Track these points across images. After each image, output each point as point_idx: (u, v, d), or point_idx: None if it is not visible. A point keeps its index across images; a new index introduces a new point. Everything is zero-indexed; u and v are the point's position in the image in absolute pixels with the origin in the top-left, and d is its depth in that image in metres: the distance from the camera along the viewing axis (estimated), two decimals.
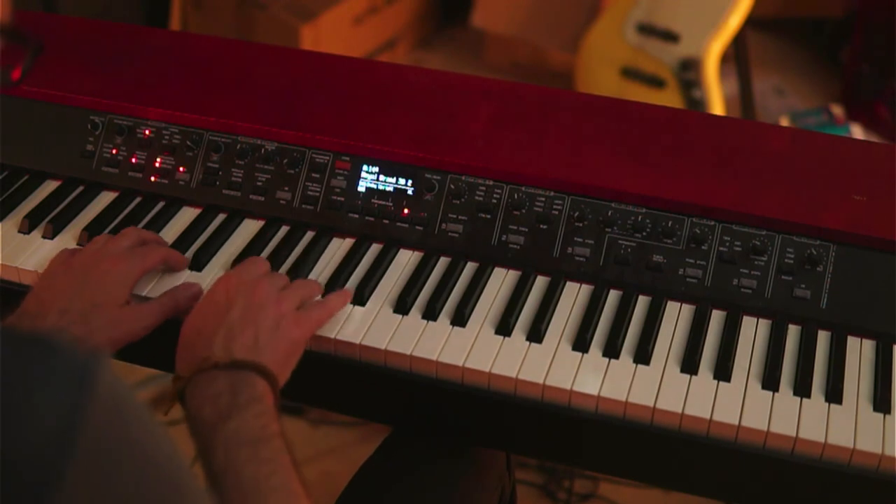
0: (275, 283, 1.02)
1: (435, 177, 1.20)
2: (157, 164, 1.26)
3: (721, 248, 1.13)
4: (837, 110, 2.86)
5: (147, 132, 1.27)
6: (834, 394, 1.02)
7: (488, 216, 1.18)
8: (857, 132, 2.80)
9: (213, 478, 0.86)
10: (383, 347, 1.06)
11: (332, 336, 1.07)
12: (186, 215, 1.23)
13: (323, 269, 1.16)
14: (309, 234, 1.20)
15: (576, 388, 1.02)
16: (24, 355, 0.53)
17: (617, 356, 1.06)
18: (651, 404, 1.01)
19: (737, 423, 0.99)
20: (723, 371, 1.04)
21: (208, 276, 1.15)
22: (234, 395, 0.90)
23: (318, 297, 1.09)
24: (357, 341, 1.07)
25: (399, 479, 1.14)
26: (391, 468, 1.16)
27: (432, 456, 1.16)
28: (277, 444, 0.88)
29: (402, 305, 1.11)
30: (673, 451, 1.03)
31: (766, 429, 0.99)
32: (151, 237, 1.14)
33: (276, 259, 1.16)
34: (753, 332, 1.09)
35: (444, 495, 1.14)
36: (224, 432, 0.87)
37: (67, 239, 1.20)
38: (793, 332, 1.10)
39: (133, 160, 1.26)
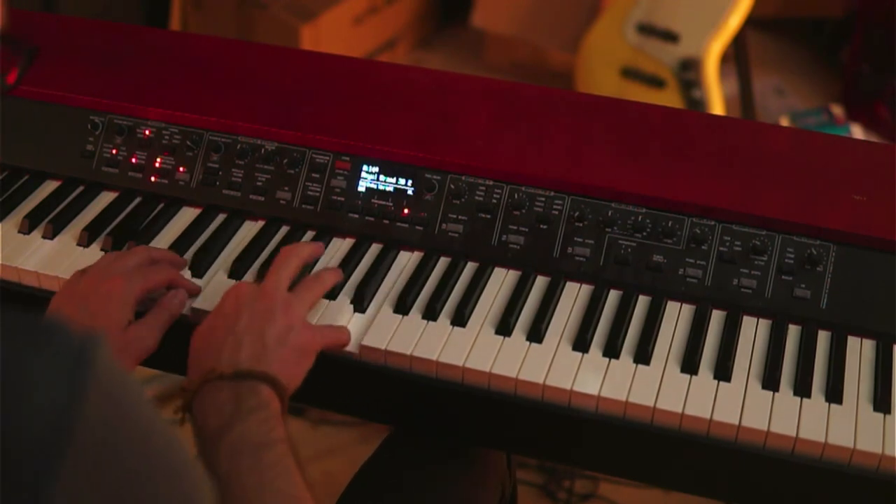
0: (282, 285, 1.01)
1: (435, 177, 1.20)
2: (157, 164, 1.26)
3: (721, 248, 1.13)
4: (837, 110, 2.86)
5: (147, 132, 1.27)
6: (834, 394, 1.02)
7: (488, 216, 1.18)
8: (857, 132, 2.80)
9: (217, 486, 0.85)
10: (383, 347, 1.06)
11: None
12: (186, 215, 1.23)
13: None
14: (309, 235, 1.20)
15: (576, 388, 1.02)
16: (22, 338, 0.53)
17: (617, 356, 1.06)
18: (651, 404, 1.01)
19: (737, 423, 0.99)
20: (723, 371, 1.04)
21: (207, 277, 1.15)
22: (238, 405, 0.90)
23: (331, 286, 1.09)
24: (357, 341, 1.07)
25: (399, 479, 1.14)
26: (392, 468, 1.16)
27: (433, 455, 1.16)
28: (281, 449, 0.88)
29: (402, 305, 1.11)
30: (673, 451, 1.03)
31: (766, 429, 0.99)
32: (163, 256, 1.12)
33: None
34: (753, 332, 1.09)
35: (444, 495, 1.14)
36: (227, 441, 0.87)
37: (67, 239, 1.20)
38: (793, 332, 1.09)
39: (133, 160, 1.26)
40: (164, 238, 1.19)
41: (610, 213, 1.16)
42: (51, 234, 1.20)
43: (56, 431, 0.51)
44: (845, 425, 0.99)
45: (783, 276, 1.11)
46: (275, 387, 0.93)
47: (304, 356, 0.98)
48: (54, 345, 0.53)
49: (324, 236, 1.19)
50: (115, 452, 0.55)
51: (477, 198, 1.19)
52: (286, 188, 1.22)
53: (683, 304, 1.12)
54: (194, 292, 1.11)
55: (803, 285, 1.11)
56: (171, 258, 1.13)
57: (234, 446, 0.87)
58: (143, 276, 1.05)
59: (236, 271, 1.15)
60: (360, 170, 1.21)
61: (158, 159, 1.26)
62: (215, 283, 1.13)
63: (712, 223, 1.14)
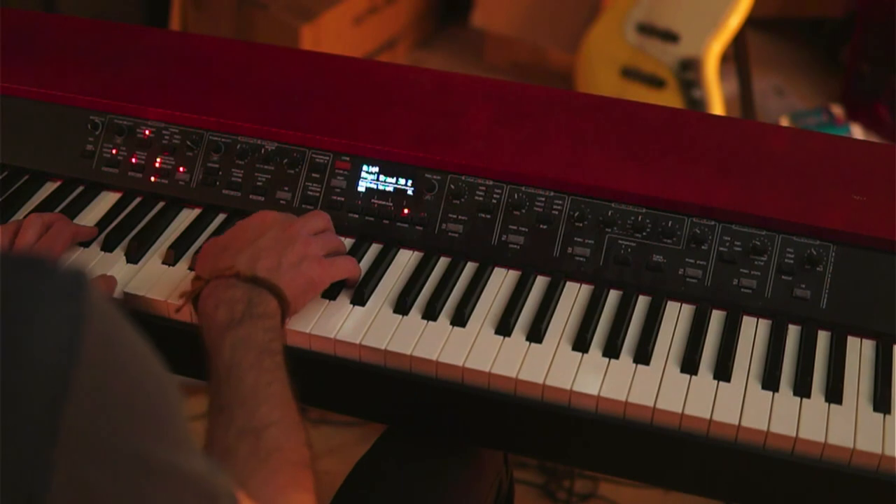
0: (308, 227, 1.08)
1: (435, 177, 1.20)
2: (157, 164, 1.26)
3: (721, 248, 1.13)
4: (837, 110, 2.87)
5: (147, 132, 1.27)
6: (834, 394, 1.02)
7: (488, 216, 1.18)
8: (857, 132, 2.80)
9: (216, 377, 0.90)
10: (383, 347, 1.06)
11: (332, 336, 1.07)
12: (186, 215, 1.23)
13: None
14: None
15: (576, 388, 1.02)
16: (22, 275, 0.57)
17: (617, 356, 1.06)
18: (651, 404, 1.01)
19: (737, 423, 0.99)
20: (723, 371, 1.04)
21: None
22: (249, 306, 0.95)
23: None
24: (357, 341, 1.07)
25: (395, 474, 1.14)
26: (388, 463, 1.16)
27: (429, 451, 1.16)
28: (279, 361, 0.93)
29: (402, 305, 1.11)
30: (673, 451, 1.03)
31: (766, 429, 0.99)
32: (53, 218, 1.16)
33: None
34: (753, 332, 1.09)
35: (441, 490, 1.14)
36: (234, 335, 0.92)
37: None
38: (793, 332, 1.09)
39: (133, 160, 1.26)
40: (164, 238, 1.19)
41: (610, 213, 1.16)
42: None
43: (63, 359, 0.55)
44: (845, 425, 0.99)
45: (783, 276, 1.11)
46: (282, 302, 0.99)
47: (311, 287, 1.05)
48: (55, 279, 0.57)
49: None
50: (116, 373, 0.59)
51: (477, 198, 1.19)
52: (286, 188, 1.22)
53: (683, 304, 1.12)
54: (92, 235, 1.18)
55: (803, 285, 1.11)
56: (59, 217, 1.17)
57: (240, 340, 0.92)
58: (46, 245, 1.11)
59: None
60: (360, 170, 1.21)
61: (158, 159, 1.26)
62: None
63: (712, 223, 1.14)
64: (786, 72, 3.23)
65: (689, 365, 1.05)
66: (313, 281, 1.05)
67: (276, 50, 1.48)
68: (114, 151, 1.27)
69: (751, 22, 2.71)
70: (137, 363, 0.61)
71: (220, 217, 1.23)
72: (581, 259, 1.15)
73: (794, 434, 0.98)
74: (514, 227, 1.17)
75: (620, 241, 1.15)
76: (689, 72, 2.61)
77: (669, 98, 2.63)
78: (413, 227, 1.19)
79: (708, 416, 1.00)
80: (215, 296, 0.97)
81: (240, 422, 0.86)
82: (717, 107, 2.61)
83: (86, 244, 1.18)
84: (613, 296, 1.13)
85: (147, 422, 0.60)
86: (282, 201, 1.22)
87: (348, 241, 1.19)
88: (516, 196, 1.18)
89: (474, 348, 1.06)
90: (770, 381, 1.03)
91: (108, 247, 1.18)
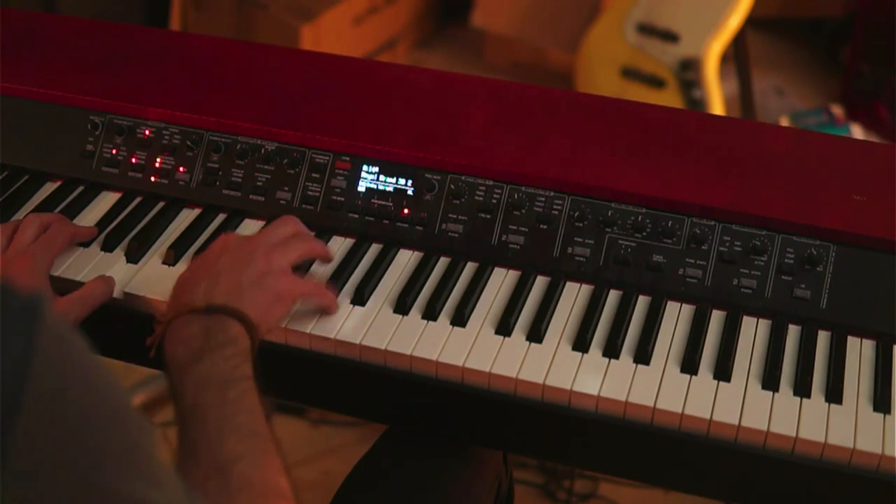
0: (270, 239, 1.04)
1: (435, 177, 1.20)
2: (157, 165, 1.26)
3: (721, 248, 1.13)
4: (837, 110, 2.87)
5: (147, 132, 1.27)
6: (834, 394, 1.02)
7: (488, 216, 1.18)
8: (857, 132, 2.80)
9: (182, 418, 0.88)
10: (383, 347, 1.06)
11: (332, 336, 1.07)
12: (186, 215, 1.23)
13: (323, 269, 1.16)
14: None
15: (576, 388, 1.02)
16: None
17: (617, 356, 1.06)
18: (651, 404, 1.01)
19: (737, 423, 0.99)
20: (723, 371, 1.04)
21: None
22: (207, 338, 0.92)
23: (322, 261, 1.13)
24: (357, 341, 1.07)
25: (395, 473, 1.14)
26: (388, 462, 1.16)
27: (429, 451, 1.16)
28: (246, 386, 0.90)
29: (402, 305, 1.11)
30: (673, 451, 1.03)
31: (766, 429, 0.99)
32: (52, 218, 1.15)
33: None
34: (753, 332, 1.09)
35: (441, 491, 1.14)
36: (194, 373, 0.90)
37: None
38: (793, 332, 1.09)
39: (133, 160, 1.26)
40: (164, 238, 1.19)
41: (610, 213, 1.16)
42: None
43: (13, 384, 0.55)
44: (845, 425, 0.99)
45: (783, 276, 1.11)
46: (245, 324, 0.95)
47: (279, 301, 1.01)
48: (6, 304, 0.57)
49: (324, 236, 1.19)
50: (66, 401, 0.58)
51: (477, 198, 1.19)
52: (286, 188, 1.22)
53: (683, 304, 1.12)
54: (92, 235, 1.17)
55: (803, 285, 1.11)
56: (58, 217, 1.16)
57: (200, 379, 0.89)
58: (43, 246, 1.09)
59: None
60: (360, 170, 1.21)
61: (158, 159, 1.26)
62: None
63: (712, 223, 1.14)
64: (786, 72, 3.23)
65: (689, 365, 1.05)
66: (280, 294, 1.01)
67: (276, 50, 1.48)
68: (114, 151, 1.27)
69: (751, 22, 2.71)
70: (92, 395, 0.61)
71: (220, 217, 1.23)
72: (581, 259, 1.15)
73: (794, 434, 0.98)
74: (514, 227, 1.17)
75: (620, 241, 1.15)
76: (689, 72, 2.61)
77: (669, 98, 2.63)
78: (413, 227, 1.19)
79: (708, 416, 1.00)
80: (174, 336, 0.94)
81: (206, 461, 0.83)
82: (717, 107, 2.61)
83: (86, 244, 1.18)
84: (613, 296, 1.13)
85: (100, 453, 0.60)
86: (282, 201, 1.22)
87: (348, 242, 1.19)
88: (516, 196, 1.18)
89: (474, 348, 1.06)
90: (770, 381, 1.03)
91: (108, 247, 1.18)
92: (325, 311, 1.09)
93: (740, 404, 1.01)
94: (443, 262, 1.17)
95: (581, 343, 1.07)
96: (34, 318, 0.57)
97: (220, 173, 1.24)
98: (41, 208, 1.23)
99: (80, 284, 1.10)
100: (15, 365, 0.55)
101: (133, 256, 1.16)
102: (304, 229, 1.10)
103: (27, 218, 1.13)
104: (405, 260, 1.17)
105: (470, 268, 1.16)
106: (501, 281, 1.15)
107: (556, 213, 1.17)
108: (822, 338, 1.09)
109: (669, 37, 2.64)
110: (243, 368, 0.91)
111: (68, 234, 1.14)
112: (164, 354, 0.94)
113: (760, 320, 1.11)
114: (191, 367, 0.90)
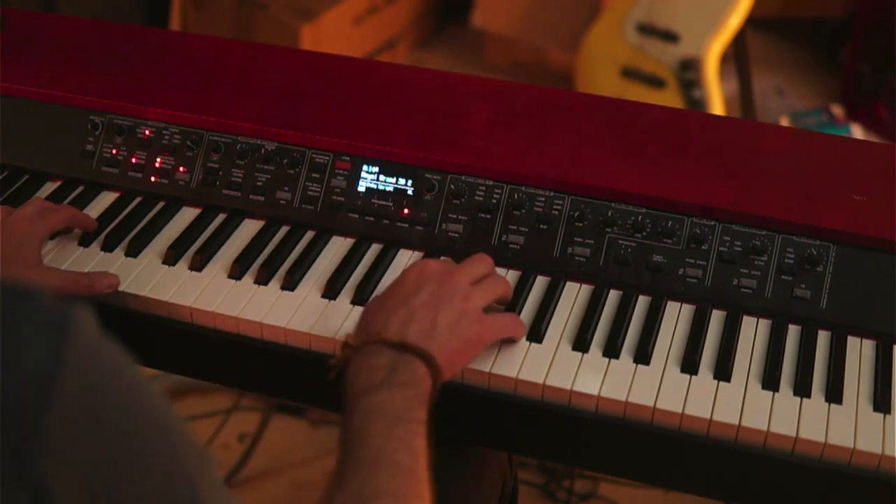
0: (469, 277, 1.02)
1: (435, 177, 1.20)
2: (157, 164, 1.26)
3: (721, 248, 1.13)
4: (837, 110, 2.87)
5: (147, 132, 1.27)
6: (834, 394, 1.02)
7: (488, 216, 1.18)
8: (857, 132, 2.81)
9: (344, 441, 0.89)
10: None
11: (333, 337, 1.07)
12: (186, 215, 1.23)
13: (323, 269, 1.16)
14: (309, 234, 1.20)
15: (576, 388, 1.02)
16: (8, 306, 0.56)
17: (617, 356, 1.06)
18: (651, 404, 1.01)
19: (737, 423, 0.99)
20: (723, 371, 1.04)
21: (207, 276, 1.15)
22: (392, 373, 0.92)
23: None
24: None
25: None
26: None
27: (433, 450, 1.16)
28: (415, 429, 0.88)
29: None
30: (673, 451, 1.03)
31: (766, 429, 0.99)
32: (57, 205, 1.17)
33: (276, 259, 1.16)
34: (753, 332, 1.09)
35: (442, 490, 1.14)
36: (368, 401, 0.89)
37: (67, 239, 1.20)
38: (793, 332, 1.09)
39: (133, 160, 1.26)
40: (164, 238, 1.19)
41: (610, 213, 1.16)
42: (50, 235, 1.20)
43: (38, 397, 0.54)
44: (845, 425, 0.99)
45: (783, 276, 1.11)
46: (431, 368, 0.94)
47: (470, 347, 0.99)
48: (38, 314, 0.56)
49: (324, 236, 1.19)
50: (100, 416, 0.57)
51: (477, 198, 1.19)
52: (286, 188, 1.22)
53: (683, 304, 1.12)
54: (91, 224, 1.18)
55: (803, 285, 1.11)
56: (63, 206, 1.18)
57: (372, 408, 0.89)
58: (42, 218, 1.11)
59: (236, 272, 1.15)
60: (360, 170, 1.21)
61: (158, 159, 1.26)
62: (214, 284, 1.13)
63: (712, 223, 1.14)
64: (786, 72, 3.23)
65: (689, 365, 1.05)
66: (471, 341, 0.99)
67: (276, 50, 1.48)
68: (114, 151, 1.27)
69: (751, 22, 2.72)
70: (129, 411, 0.60)
71: (220, 217, 1.23)
72: (581, 259, 1.15)
73: (794, 434, 0.98)
74: (514, 227, 1.17)
75: (620, 241, 1.15)
76: (689, 72, 2.62)
77: (669, 98, 2.63)
78: (413, 227, 1.19)
79: (708, 416, 1.00)
80: (359, 362, 0.94)
81: (350, 488, 0.83)
82: (717, 107, 2.61)
83: (86, 244, 1.18)
84: (613, 296, 1.13)
85: (140, 486, 0.59)
86: (282, 201, 1.22)
87: (348, 241, 1.19)
88: (516, 196, 1.18)
89: None
90: (770, 381, 1.03)
91: (108, 247, 1.18)
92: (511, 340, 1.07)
93: (740, 404, 1.01)
94: None
95: (581, 343, 1.07)
96: (65, 331, 0.56)
97: (220, 173, 1.24)
98: None
99: None
100: (41, 380, 0.54)
101: (133, 256, 1.16)
102: (494, 269, 1.08)
103: (32, 199, 1.16)
104: (405, 260, 1.17)
105: None
106: None
107: (556, 213, 1.17)
108: (822, 338, 1.09)
109: (669, 37, 2.64)
110: (418, 411, 0.90)
111: (69, 213, 1.16)
112: (345, 376, 0.94)
113: (760, 320, 1.11)
114: (367, 395, 0.90)
